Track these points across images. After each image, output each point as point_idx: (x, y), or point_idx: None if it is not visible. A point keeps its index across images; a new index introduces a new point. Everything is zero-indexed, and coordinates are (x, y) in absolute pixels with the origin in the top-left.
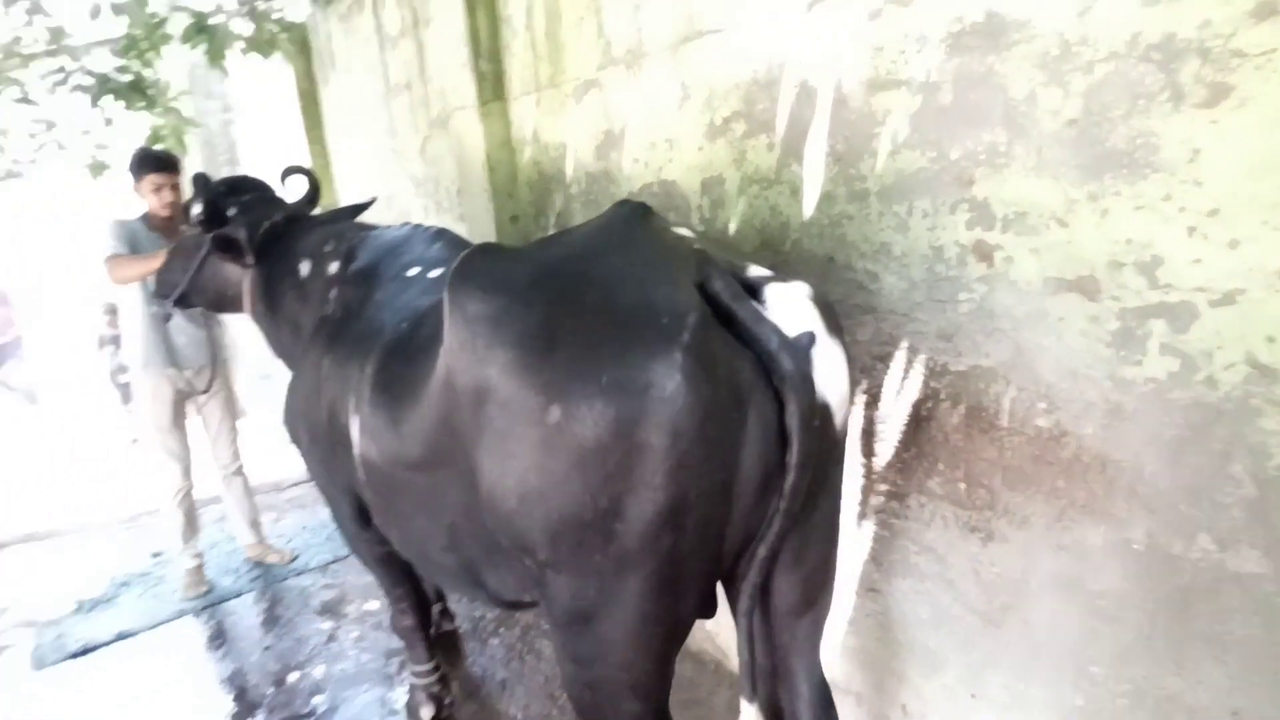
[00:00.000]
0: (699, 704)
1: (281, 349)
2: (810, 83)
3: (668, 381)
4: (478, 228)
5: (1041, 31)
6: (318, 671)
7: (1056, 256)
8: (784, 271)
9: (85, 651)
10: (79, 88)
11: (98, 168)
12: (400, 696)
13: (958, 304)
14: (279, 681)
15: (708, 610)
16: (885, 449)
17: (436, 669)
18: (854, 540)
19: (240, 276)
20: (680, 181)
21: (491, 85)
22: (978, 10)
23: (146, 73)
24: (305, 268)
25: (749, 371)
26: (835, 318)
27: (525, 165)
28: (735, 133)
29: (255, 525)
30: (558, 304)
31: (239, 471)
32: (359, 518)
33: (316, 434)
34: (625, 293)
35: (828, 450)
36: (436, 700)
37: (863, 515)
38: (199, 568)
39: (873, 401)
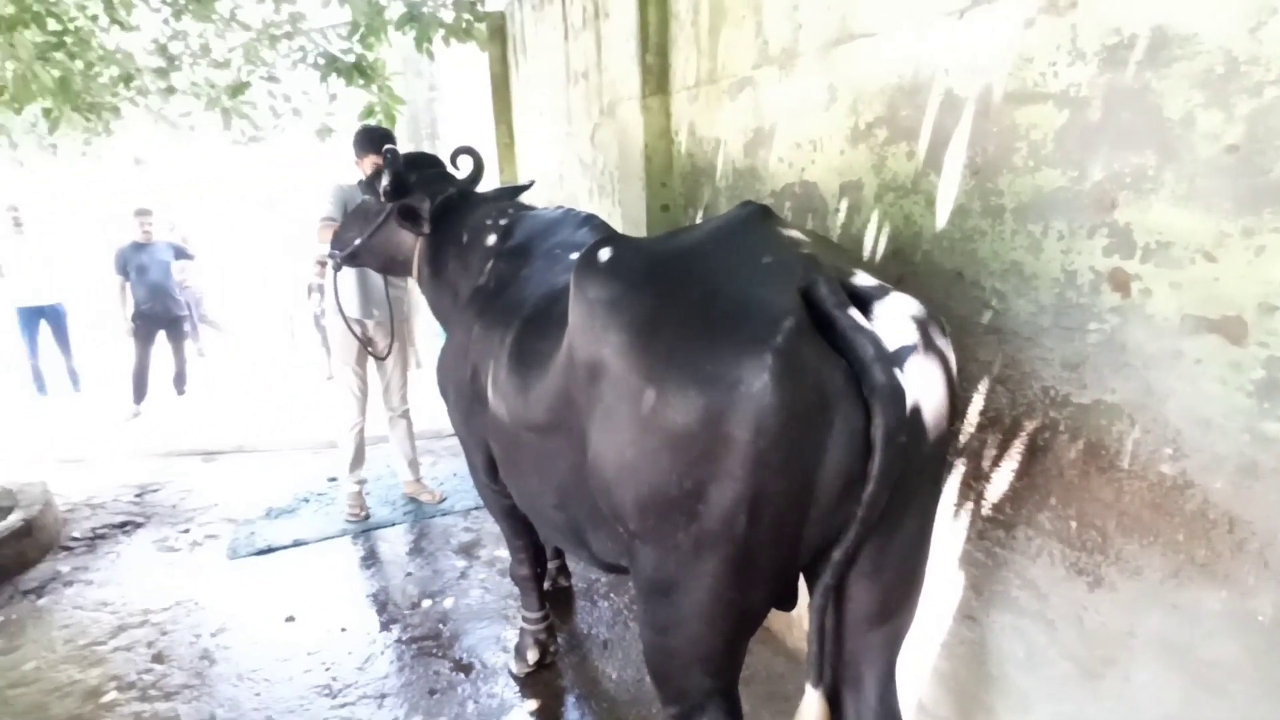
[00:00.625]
0: (784, 700)
1: (440, 312)
2: (955, 92)
3: (755, 380)
4: (631, 213)
5: (1207, 48)
6: (448, 603)
7: (1200, 294)
8: (911, 283)
9: (268, 550)
10: (312, 66)
11: (324, 132)
12: (513, 637)
13: (1086, 333)
14: (415, 605)
15: (786, 603)
16: (997, 475)
17: (546, 618)
18: (957, 564)
19: (412, 244)
20: (820, 183)
21: (655, 79)
22: (1140, 22)
23: (367, 54)
24: (467, 239)
25: (840, 379)
26: (943, 337)
27: (680, 157)
28: (877, 138)
29: (414, 465)
30: (666, 296)
31: (405, 415)
32: (489, 470)
33: (461, 391)
34: (729, 292)
35: (916, 467)
36: (542, 646)
37: (968, 540)
38: (359, 494)
39: (989, 424)
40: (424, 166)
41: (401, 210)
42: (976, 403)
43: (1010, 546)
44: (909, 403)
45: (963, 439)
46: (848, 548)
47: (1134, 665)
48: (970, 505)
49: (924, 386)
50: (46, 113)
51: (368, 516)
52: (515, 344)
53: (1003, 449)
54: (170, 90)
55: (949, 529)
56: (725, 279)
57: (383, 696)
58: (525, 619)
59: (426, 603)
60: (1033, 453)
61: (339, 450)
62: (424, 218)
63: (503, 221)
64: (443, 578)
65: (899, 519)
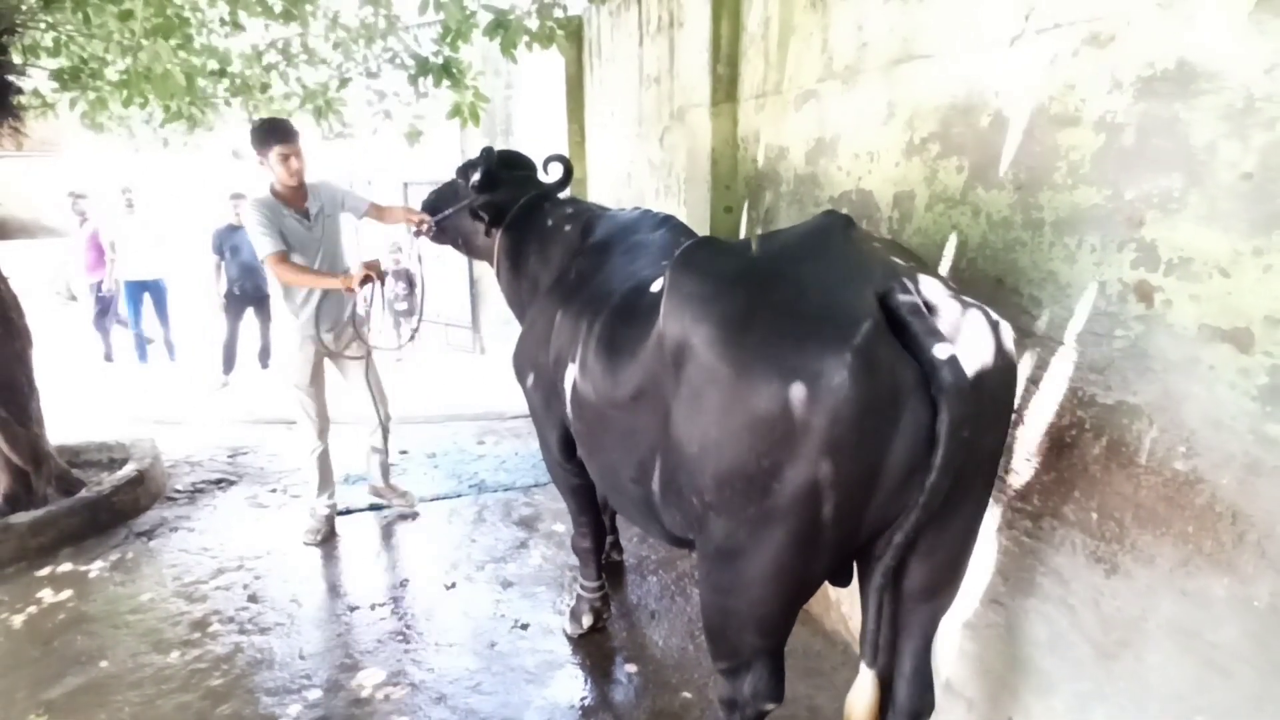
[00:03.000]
0: (820, 675)
1: (518, 301)
2: (1004, 112)
3: (835, 374)
4: (696, 213)
5: (1230, 84)
6: (509, 568)
7: (1215, 306)
8: (960, 289)
9: (347, 512)
10: (404, 66)
11: (413, 135)
12: (568, 602)
13: (1113, 339)
14: (479, 568)
15: (841, 579)
16: (1028, 468)
17: (602, 587)
18: (987, 550)
19: (493, 236)
20: (876, 193)
21: (725, 87)
22: (1171, 58)
23: (455, 56)
24: (550, 236)
25: (910, 378)
26: (1008, 342)
27: (744, 162)
28: (930, 152)
29: (385, 470)
30: (756, 296)
31: (380, 426)
32: (564, 450)
33: (541, 375)
34: (813, 295)
35: (975, 460)
36: (596, 613)
37: (999, 528)
38: (329, 516)
39: (1021, 422)
40: (515, 167)
41: (473, 208)
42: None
43: (1037, 535)
44: (973, 401)
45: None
46: (909, 531)
47: (1146, 648)
48: (1001, 497)
49: (987, 389)
50: (166, 108)
51: (326, 539)
52: (605, 330)
53: (1033, 446)
54: (267, 87)
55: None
56: (810, 282)
57: (450, 645)
58: (583, 587)
59: (490, 567)
60: (1060, 449)
61: (302, 473)
62: (486, 226)
63: (584, 221)
64: (504, 546)
65: (956, 507)
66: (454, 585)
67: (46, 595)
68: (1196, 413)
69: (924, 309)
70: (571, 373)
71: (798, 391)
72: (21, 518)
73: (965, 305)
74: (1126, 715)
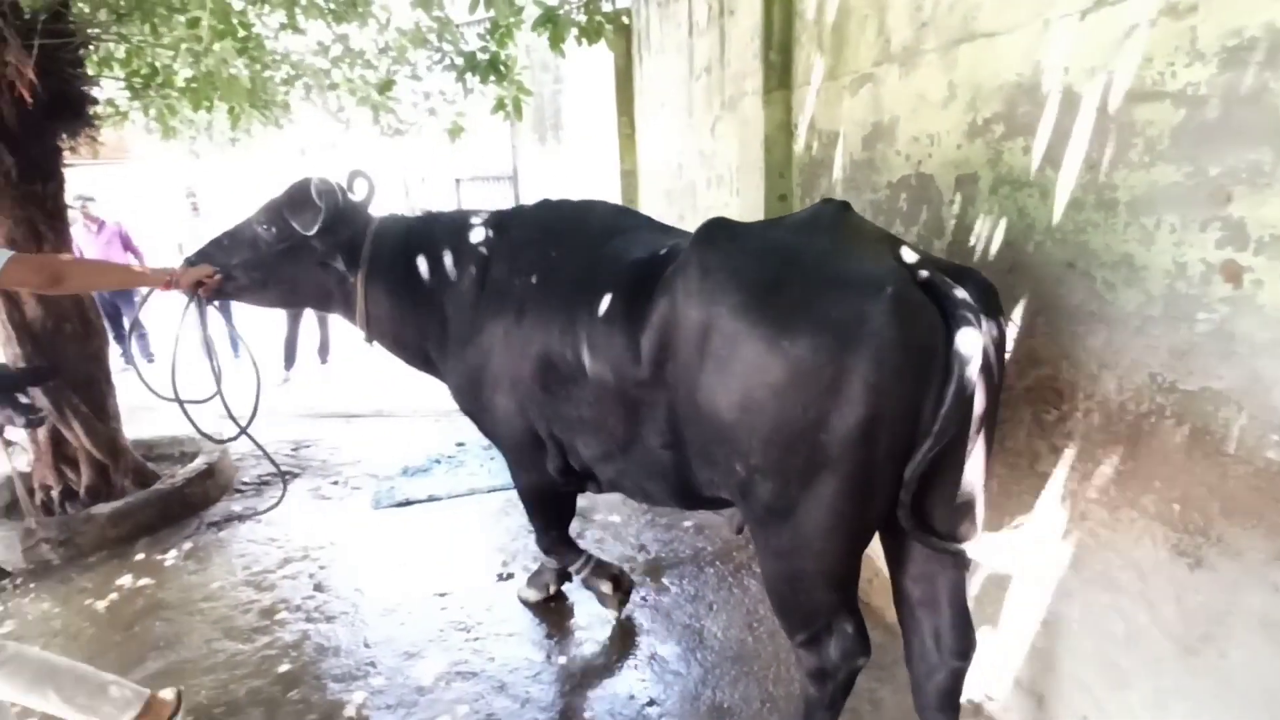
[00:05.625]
0: (883, 669)
1: (415, 337)
2: (1075, 89)
3: (877, 319)
4: (749, 202)
5: None
6: None
7: None
8: (1022, 272)
9: (406, 503)
10: (451, 66)
11: (455, 131)
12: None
13: (1195, 323)
14: (536, 558)
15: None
16: (1104, 458)
17: (589, 558)
18: (1056, 543)
19: (336, 282)
20: (937, 177)
21: (778, 75)
22: (1260, 26)
23: (502, 52)
24: (443, 259)
25: (938, 321)
26: (997, 300)
27: (798, 150)
28: (994, 134)
29: None
30: (782, 263)
31: None
32: (556, 459)
33: (519, 385)
34: (838, 258)
35: (991, 400)
36: (613, 578)
37: (1070, 520)
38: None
39: (1095, 409)
40: (347, 198)
41: (324, 254)
42: (1084, 387)
43: (1114, 527)
44: (988, 343)
45: (1069, 423)
46: (921, 461)
47: (1231, 643)
48: (1075, 487)
49: (993, 328)
50: (230, 111)
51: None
52: (613, 312)
53: (1108, 433)
54: (332, 87)
55: (1053, 510)
56: (829, 250)
57: (510, 635)
58: (584, 579)
59: (545, 558)
60: (1138, 437)
61: None
62: (343, 266)
63: (486, 229)
64: None
65: (966, 442)
66: (510, 576)
67: (126, 582)
68: None
69: (932, 263)
70: (585, 359)
71: (841, 340)
72: (102, 508)
73: (958, 267)
74: (1209, 712)
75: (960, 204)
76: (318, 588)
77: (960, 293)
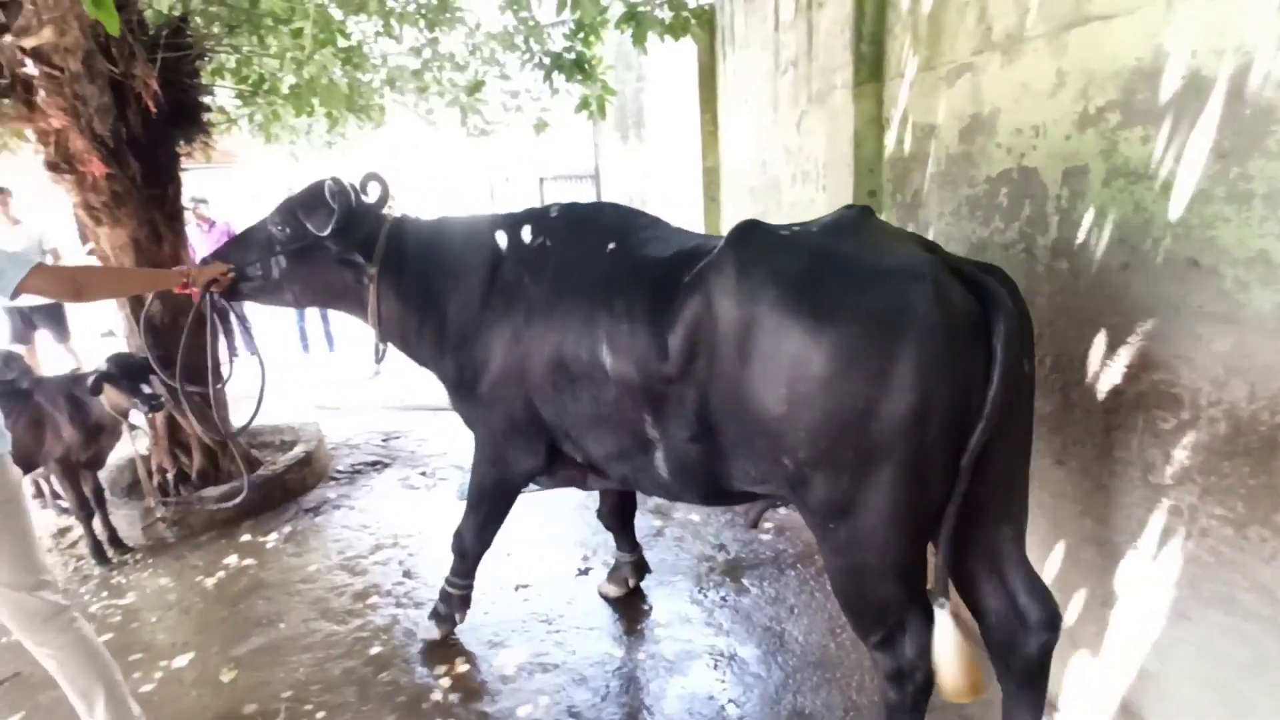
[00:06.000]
0: None
1: (423, 337)
2: (1203, 73)
3: (921, 304)
4: (836, 199)
5: None
6: (647, 555)
7: None
8: (1138, 270)
9: None
10: (538, 65)
11: (540, 126)
12: (702, 595)
13: None
14: (614, 553)
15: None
16: (1231, 470)
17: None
18: (1171, 561)
19: (352, 280)
20: (1041, 170)
21: (869, 67)
22: None
23: (587, 51)
24: (453, 260)
25: (976, 307)
26: (1019, 294)
27: (889, 144)
28: (1109, 123)
29: None
30: (818, 259)
31: None
32: (545, 455)
33: (526, 383)
34: (871, 254)
35: (1028, 384)
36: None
37: (1188, 536)
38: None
39: (1223, 418)
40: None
41: (341, 251)
42: (1208, 394)
43: (1240, 547)
44: (1020, 322)
45: (1190, 433)
46: (974, 448)
47: None
48: (1194, 501)
49: (1026, 315)
50: (329, 115)
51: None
52: (636, 310)
53: (1236, 444)
54: (422, 90)
55: (1164, 524)
56: (861, 247)
57: (590, 629)
58: (455, 585)
59: (623, 554)
60: (1272, 449)
61: None
62: (361, 264)
63: (498, 231)
64: (639, 533)
65: (1013, 424)
66: (589, 570)
67: (232, 561)
68: None
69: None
70: (605, 358)
71: (885, 326)
72: (211, 492)
73: (981, 263)
74: None
75: (1068, 198)
76: (407, 574)
77: (992, 281)
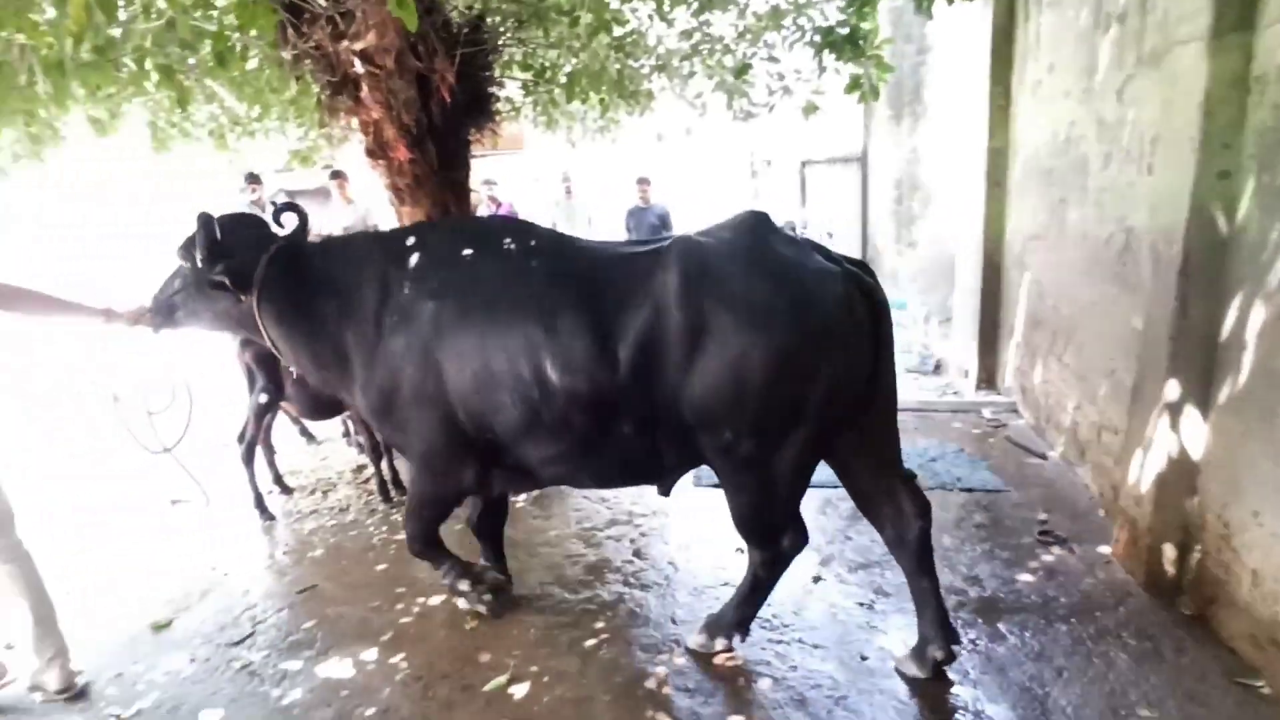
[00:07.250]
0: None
1: (315, 354)
2: None
3: (833, 304)
4: (1169, 182)
5: None
6: (885, 577)
7: None
8: None
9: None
10: (808, 44)
11: (810, 109)
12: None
13: None
14: (853, 569)
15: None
16: None
17: (455, 562)
18: None
19: (234, 306)
20: None
21: (1236, 10)
22: None
23: (861, 25)
24: (346, 280)
25: (871, 307)
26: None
27: (1260, 110)
28: None
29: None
30: (753, 264)
31: None
32: (475, 464)
33: (443, 401)
34: (791, 259)
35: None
36: (474, 576)
37: None
38: None
39: None
40: (245, 228)
41: (212, 279)
42: None
43: None
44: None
45: None
46: (875, 414)
47: None
48: None
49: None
50: (600, 101)
51: None
52: (576, 326)
53: None
54: (690, 74)
55: None
56: (781, 253)
57: (815, 646)
58: (463, 581)
59: (863, 571)
60: None
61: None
62: (228, 287)
63: (383, 252)
64: (881, 549)
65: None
66: (820, 579)
67: None
68: None
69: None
70: (549, 369)
71: (809, 325)
72: None
73: (857, 261)
74: None
75: None
76: (637, 554)
77: (875, 280)
